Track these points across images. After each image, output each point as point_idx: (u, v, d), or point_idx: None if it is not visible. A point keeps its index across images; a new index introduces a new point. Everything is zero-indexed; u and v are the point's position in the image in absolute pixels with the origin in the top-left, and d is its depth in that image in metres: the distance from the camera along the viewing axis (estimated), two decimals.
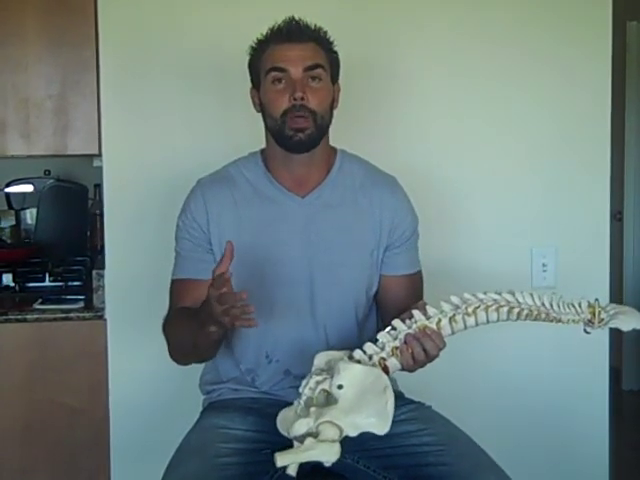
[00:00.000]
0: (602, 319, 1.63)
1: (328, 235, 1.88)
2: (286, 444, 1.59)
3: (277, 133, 1.83)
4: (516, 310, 1.63)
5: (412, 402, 1.89)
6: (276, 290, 1.87)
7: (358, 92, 2.37)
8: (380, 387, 1.57)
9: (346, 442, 1.76)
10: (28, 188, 3.17)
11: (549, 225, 2.57)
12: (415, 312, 1.65)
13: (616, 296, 4.19)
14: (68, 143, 2.45)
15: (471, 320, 1.64)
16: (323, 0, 2.39)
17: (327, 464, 1.51)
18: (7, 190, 3.18)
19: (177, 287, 1.92)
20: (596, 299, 1.65)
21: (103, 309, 2.40)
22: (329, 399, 1.56)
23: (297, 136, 1.80)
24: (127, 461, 2.41)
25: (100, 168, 2.43)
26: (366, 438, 1.76)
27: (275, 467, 1.69)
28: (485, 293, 1.65)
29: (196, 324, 1.67)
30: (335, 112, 1.89)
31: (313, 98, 1.79)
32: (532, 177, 2.57)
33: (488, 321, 1.64)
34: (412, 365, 1.65)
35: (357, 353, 1.63)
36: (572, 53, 2.55)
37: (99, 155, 2.43)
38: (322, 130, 1.83)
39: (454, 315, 1.64)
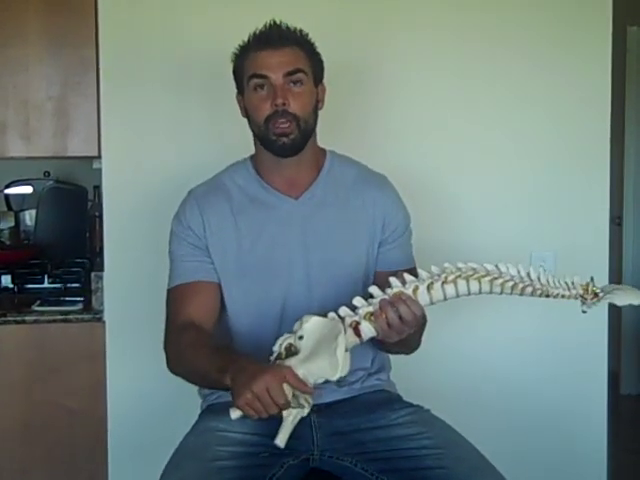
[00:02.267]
0: (596, 294, 1.58)
1: (324, 234, 1.89)
2: (286, 448, 1.60)
3: (262, 138, 1.85)
4: (499, 281, 1.59)
5: (411, 405, 1.89)
6: (276, 292, 1.87)
7: (351, 93, 2.38)
8: (333, 334, 1.59)
9: (344, 445, 1.77)
10: (27, 189, 3.17)
11: (548, 229, 2.57)
12: (392, 279, 1.65)
13: None
14: (68, 145, 2.45)
15: (450, 289, 1.61)
16: (314, 1, 2.40)
17: (285, 413, 1.57)
18: (6, 191, 3.17)
19: (178, 293, 1.88)
20: (591, 277, 1.60)
21: (102, 311, 2.40)
22: (293, 351, 1.59)
23: (281, 140, 1.81)
24: (125, 463, 2.41)
25: (99, 170, 2.43)
26: (365, 441, 1.77)
27: (272, 471, 1.70)
28: (466, 263, 1.62)
29: (217, 371, 1.64)
30: (320, 113, 1.89)
31: (295, 103, 1.80)
32: (532, 181, 2.56)
33: (469, 292, 1.61)
34: (387, 330, 1.63)
35: (331, 315, 1.64)
36: (572, 58, 2.55)
37: (99, 157, 2.43)
38: (307, 133, 1.84)
39: (432, 283, 1.62)
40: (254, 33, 1.84)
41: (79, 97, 2.43)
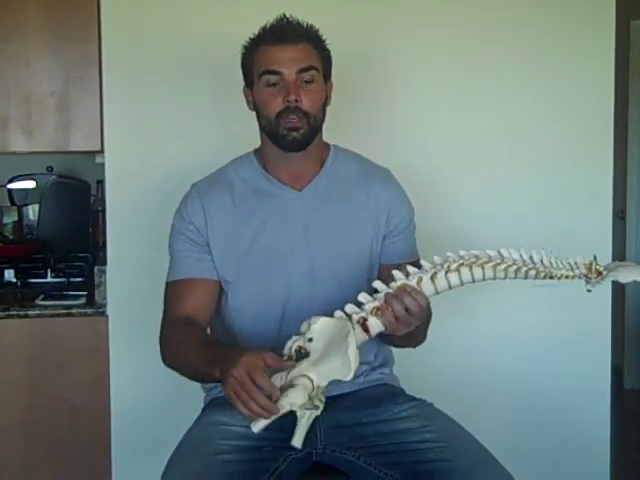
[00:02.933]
0: (600, 273, 1.58)
1: (328, 227, 1.89)
2: (289, 441, 1.60)
3: (271, 133, 1.85)
4: (502, 266, 1.59)
5: (414, 399, 1.89)
6: (279, 285, 1.88)
7: (355, 90, 2.37)
8: (343, 334, 1.59)
9: (347, 439, 1.77)
10: (30, 184, 3.17)
11: (551, 224, 2.57)
12: (395, 272, 1.65)
13: (618, 294, 4.19)
14: (70, 139, 2.45)
15: (454, 278, 1.61)
16: None
17: (299, 414, 1.58)
18: (9, 186, 3.17)
19: (175, 289, 1.90)
20: (594, 255, 1.60)
21: (105, 305, 2.40)
22: (304, 353, 1.60)
23: (291, 135, 1.81)
24: (128, 457, 2.41)
25: (102, 164, 2.43)
26: (367, 435, 1.77)
27: (276, 465, 1.70)
28: (468, 251, 1.63)
29: (206, 364, 1.66)
30: (328, 109, 1.89)
31: (306, 100, 1.80)
32: (534, 177, 2.56)
33: (474, 279, 1.61)
34: (395, 323, 1.63)
35: (337, 313, 1.64)
36: (575, 52, 2.54)
37: (101, 151, 2.43)
38: (315, 129, 1.85)
39: (435, 273, 1.62)
40: (266, 26, 1.84)
41: (81, 92, 2.43)
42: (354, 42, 2.40)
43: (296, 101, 1.79)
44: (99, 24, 2.36)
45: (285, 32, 1.81)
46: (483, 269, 1.61)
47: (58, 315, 2.38)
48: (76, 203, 3.10)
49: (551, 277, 1.59)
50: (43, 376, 2.38)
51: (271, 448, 1.71)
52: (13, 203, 3.22)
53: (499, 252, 1.62)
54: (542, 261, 1.60)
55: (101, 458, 2.39)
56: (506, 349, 2.56)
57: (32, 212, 3.21)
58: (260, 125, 1.89)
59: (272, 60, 1.80)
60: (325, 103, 1.88)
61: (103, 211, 2.56)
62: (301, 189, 1.90)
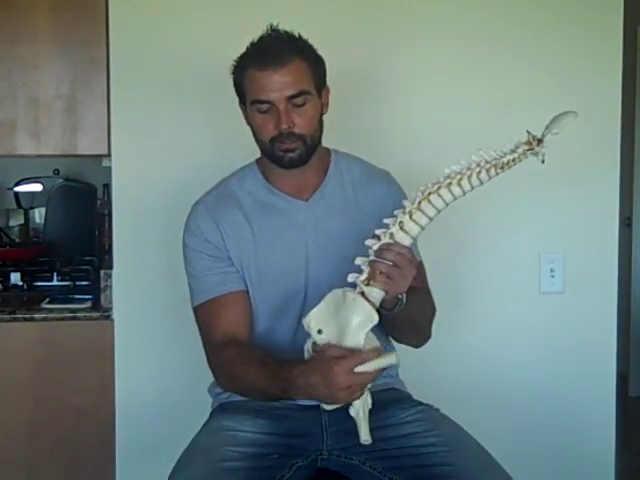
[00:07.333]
0: (540, 140, 1.61)
1: (338, 234, 1.89)
2: (296, 447, 1.60)
3: (268, 154, 1.84)
4: (454, 183, 1.60)
5: (420, 404, 1.89)
6: (295, 296, 1.87)
7: (354, 94, 2.36)
8: (341, 300, 1.61)
9: (353, 444, 1.76)
10: (37, 187, 3.18)
11: (557, 230, 2.56)
12: (367, 241, 1.65)
13: (624, 301, 4.18)
14: (77, 143, 2.45)
15: (420, 217, 1.61)
16: (317, 4, 2.39)
17: (353, 412, 1.61)
18: (16, 189, 3.18)
19: (207, 311, 1.87)
20: (527, 130, 1.63)
21: (110, 309, 2.40)
22: (321, 348, 1.61)
23: (287, 156, 1.80)
24: (132, 462, 2.41)
25: (109, 168, 2.43)
26: (373, 440, 1.76)
27: (282, 473, 1.69)
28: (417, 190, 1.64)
29: (279, 385, 1.66)
30: (325, 117, 1.87)
31: (300, 122, 1.78)
32: (541, 182, 2.55)
33: (439, 209, 1.61)
34: (391, 283, 1.62)
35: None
36: (582, 58, 2.54)
37: (108, 155, 2.43)
38: (313, 146, 1.84)
39: (401, 222, 1.62)
40: (252, 45, 1.81)
41: (89, 95, 2.43)
42: (351, 46, 2.39)
43: (289, 127, 1.77)
44: (107, 28, 2.36)
45: (271, 53, 1.76)
46: (440, 196, 1.61)
47: (64, 319, 2.38)
48: (82, 206, 3.11)
49: (502, 168, 1.61)
50: (48, 379, 2.38)
51: (277, 456, 1.70)
52: (20, 206, 3.23)
53: (445, 175, 1.62)
54: (485, 159, 1.61)
55: (105, 462, 2.38)
56: (511, 355, 2.56)
57: (38, 215, 3.23)
58: (257, 143, 1.87)
59: (260, 88, 1.77)
60: (322, 114, 1.85)
61: (109, 215, 2.56)
62: (307, 199, 1.90)
